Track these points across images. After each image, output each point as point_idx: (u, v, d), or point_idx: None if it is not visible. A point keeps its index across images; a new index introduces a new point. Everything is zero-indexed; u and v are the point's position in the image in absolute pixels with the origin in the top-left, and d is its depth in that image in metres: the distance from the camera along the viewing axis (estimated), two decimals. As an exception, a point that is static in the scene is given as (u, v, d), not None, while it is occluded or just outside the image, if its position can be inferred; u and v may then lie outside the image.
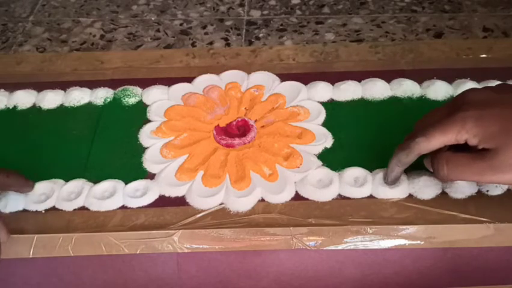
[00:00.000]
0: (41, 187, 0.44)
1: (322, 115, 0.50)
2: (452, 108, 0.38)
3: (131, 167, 0.46)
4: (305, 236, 0.40)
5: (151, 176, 0.45)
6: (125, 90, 0.53)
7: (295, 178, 0.44)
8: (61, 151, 0.48)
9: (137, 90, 0.53)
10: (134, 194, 0.44)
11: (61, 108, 0.52)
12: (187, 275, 0.42)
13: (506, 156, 0.35)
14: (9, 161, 0.47)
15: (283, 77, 0.53)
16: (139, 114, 0.51)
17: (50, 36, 0.65)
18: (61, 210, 0.43)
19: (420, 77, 0.52)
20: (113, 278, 0.42)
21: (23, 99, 0.53)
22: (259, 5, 0.68)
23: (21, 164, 0.47)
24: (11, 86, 0.54)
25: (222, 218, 0.42)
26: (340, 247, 0.40)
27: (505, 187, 0.42)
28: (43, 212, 0.43)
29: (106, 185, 0.44)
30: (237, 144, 0.47)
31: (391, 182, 0.42)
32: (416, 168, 0.42)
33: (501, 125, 0.36)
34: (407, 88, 0.51)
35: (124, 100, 0.52)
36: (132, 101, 0.52)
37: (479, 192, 0.42)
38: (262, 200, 0.43)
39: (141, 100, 0.52)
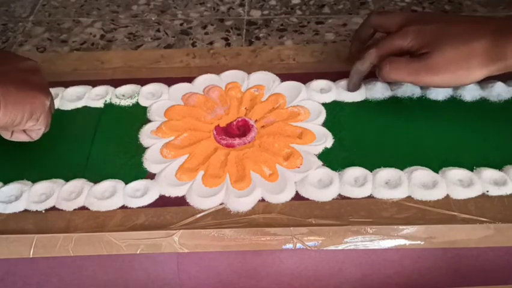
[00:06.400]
0: (41, 187, 0.44)
1: (322, 115, 0.50)
2: (399, 24, 0.47)
3: (131, 167, 0.46)
4: (305, 236, 0.40)
5: (151, 176, 0.45)
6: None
7: (296, 178, 0.44)
8: (61, 151, 0.48)
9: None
10: (134, 194, 0.44)
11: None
12: (187, 275, 0.42)
13: (437, 58, 0.44)
14: (10, 160, 0.47)
15: (284, 77, 0.53)
16: (139, 114, 0.51)
17: (50, 36, 0.65)
18: (61, 210, 0.43)
19: (420, 77, 0.52)
20: (113, 278, 0.42)
21: (23, 99, 0.52)
22: (259, 5, 0.68)
23: (21, 164, 0.47)
24: (11, 86, 0.53)
25: (222, 218, 0.42)
26: (340, 247, 0.40)
27: (504, 188, 0.42)
28: (43, 212, 0.43)
29: (106, 184, 0.44)
30: (237, 144, 0.47)
31: (351, 88, 0.51)
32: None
33: (435, 35, 0.45)
34: (407, 88, 0.51)
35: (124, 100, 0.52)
36: (132, 101, 0.52)
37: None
38: (263, 200, 0.43)
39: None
